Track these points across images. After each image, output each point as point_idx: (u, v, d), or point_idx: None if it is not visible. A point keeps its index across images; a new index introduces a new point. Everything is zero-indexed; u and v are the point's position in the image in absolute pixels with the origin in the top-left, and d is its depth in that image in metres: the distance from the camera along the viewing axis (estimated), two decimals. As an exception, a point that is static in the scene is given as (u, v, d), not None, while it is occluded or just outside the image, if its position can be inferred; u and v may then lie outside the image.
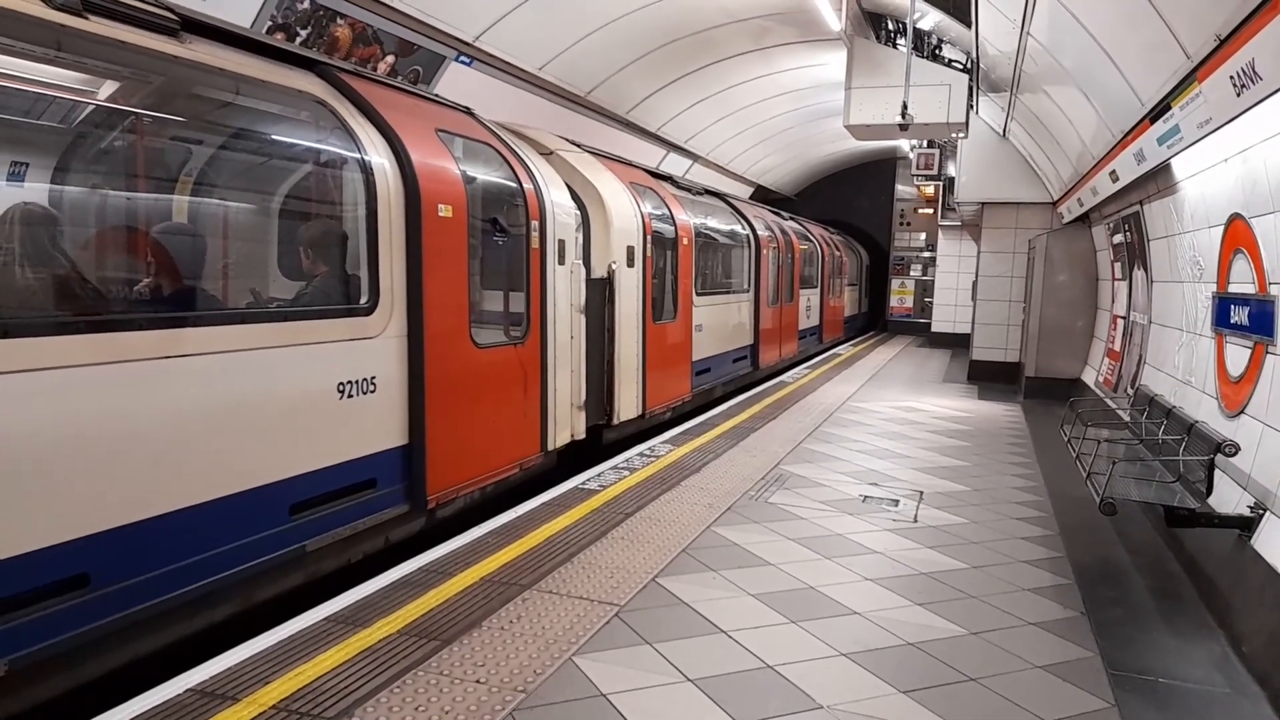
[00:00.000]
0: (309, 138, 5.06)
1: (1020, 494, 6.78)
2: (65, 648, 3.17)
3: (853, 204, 25.34)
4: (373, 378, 4.71)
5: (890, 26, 12.47)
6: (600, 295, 7.80)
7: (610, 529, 5.45)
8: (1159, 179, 7.16)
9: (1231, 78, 4.13)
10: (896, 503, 6.36)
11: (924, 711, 3.36)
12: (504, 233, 6.16)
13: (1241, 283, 5.27)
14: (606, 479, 6.66)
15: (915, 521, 5.91)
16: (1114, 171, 7.60)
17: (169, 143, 4.66)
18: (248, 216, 5.21)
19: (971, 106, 10.98)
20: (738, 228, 12.76)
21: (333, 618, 3.99)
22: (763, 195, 21.19)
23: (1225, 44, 4.14)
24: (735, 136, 16.49)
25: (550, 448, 6.70)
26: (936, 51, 12.20)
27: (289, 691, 3.29)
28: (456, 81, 8.70)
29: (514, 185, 6.27)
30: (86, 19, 3.47)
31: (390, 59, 8.07)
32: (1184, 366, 6.66)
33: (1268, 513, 4.37)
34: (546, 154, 7.62)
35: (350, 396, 4.56)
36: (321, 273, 4.84)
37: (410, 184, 4.95)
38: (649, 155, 13.86)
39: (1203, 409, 5.83)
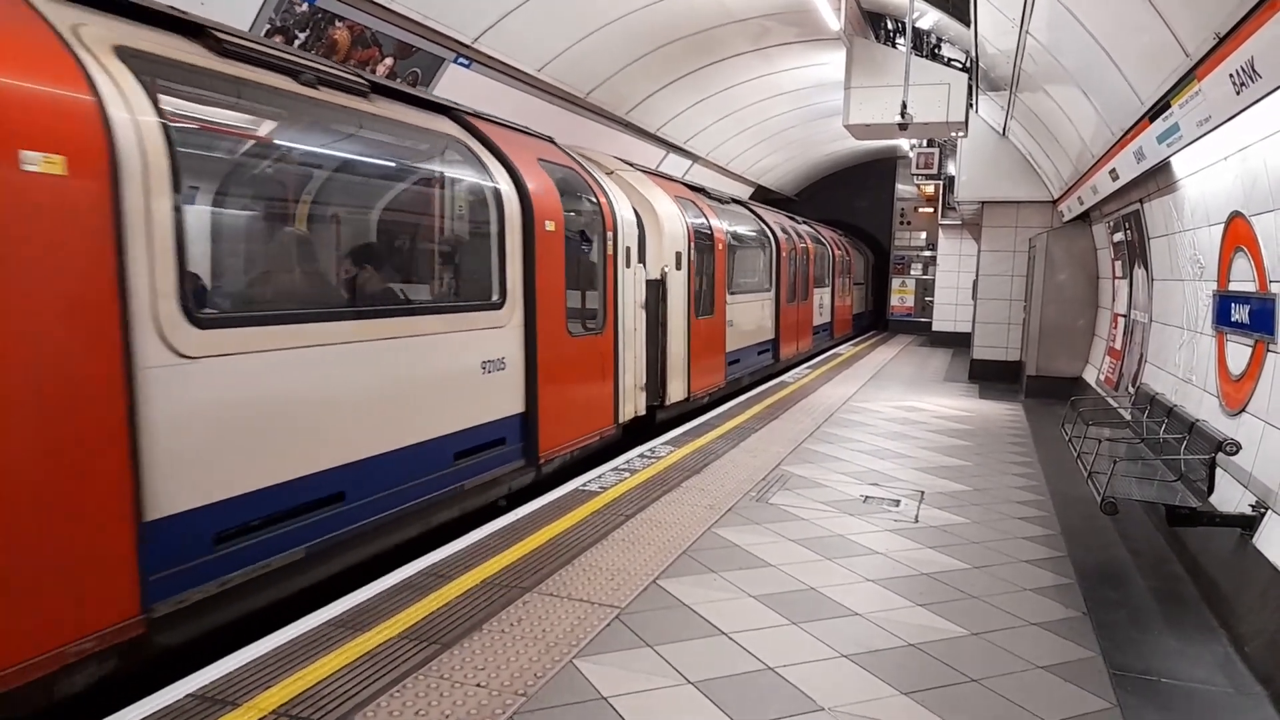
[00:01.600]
0: (457, 170, 6.37)
1: (1021, 494, 6.76)
2: (334, 542, 4.60)
3: (853, 203, 25.34)
4: (502, 358, 6.10)
5: (890, 26, 12.45)
6: (654, 294, 9.13)
7: (611, 531, 5.44)
8: (1159, 177, 7.15)
9: (1231, 76, 4.12)
10: (898, 503, 6.35)
11: (925, 713, 3.35)
12: (588, 242, 7.42)
13: (1242, 281, 5.26)
14: (607, 480, 6.65)
15: (916, 522, 5.91)
16: (1114, 170, 7.59)
17: (377, 180, 6.32)
18: (424, 232, 6.75)
19: (971, 105, 10.97)
20: (761, 233, 13.95)
21: (333, 621, 3.99)
22: (763, 195, 21.18)
23: (1224, 42, 4.14)
24: (735, 136, 16.48)
25: (620, 421, 8.15)
26: (936, 51, 12.19)
27: (289, 696, 3.28)
28: (455, 84, 8.69)
29: (594, 202, 7.62)
30: (318, 89, 4.84)
31: (389, 61, 8.07)
32: (1185, 365, 6.65)
33: (1269, 511, 4.37)
34: (608, 173, 8.91)
35: (489, 372, 5.98)
36: (469, 275, 6.36)
37: (526, 205, 6.28)
38: (648, 156, 13.86)
39: (1204, 407, 5.81)
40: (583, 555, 4.98)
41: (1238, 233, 5.34)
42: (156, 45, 3.91)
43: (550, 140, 7.65)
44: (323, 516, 4.50)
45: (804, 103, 15.77)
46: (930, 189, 21.86)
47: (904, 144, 19.33)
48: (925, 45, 11.96)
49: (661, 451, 7.77)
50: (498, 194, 6.10)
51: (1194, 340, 6.44)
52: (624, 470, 7.01)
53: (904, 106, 9.08)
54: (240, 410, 4.00)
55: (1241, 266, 5.27)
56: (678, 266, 9.54)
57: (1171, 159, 6.24)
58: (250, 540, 4.08)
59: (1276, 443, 4.47)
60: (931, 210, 22.26)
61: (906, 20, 9.72)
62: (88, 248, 3.25)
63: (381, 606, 4.18)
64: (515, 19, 8.51)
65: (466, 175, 6.30)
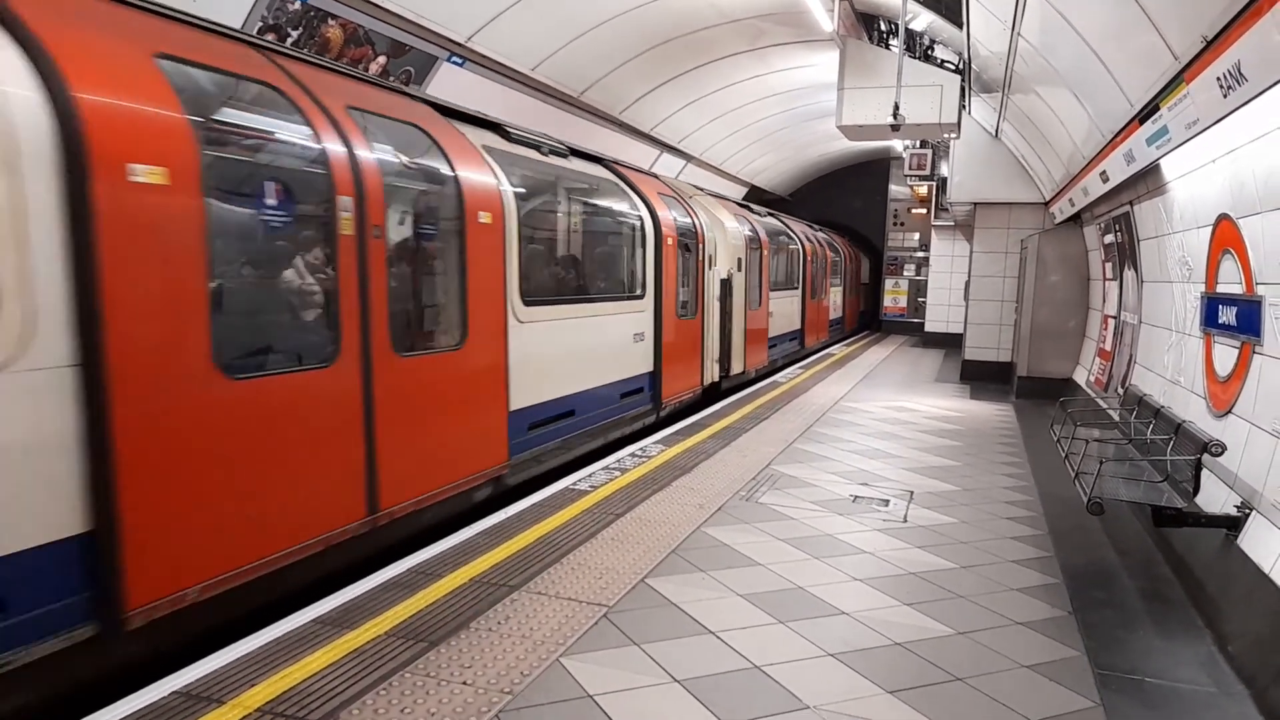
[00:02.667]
0: (619, 204, 9.04)
1: (1010, 494, 6.79)
2: (570, 438, 7.41)
3: (847, 204, 25.39)
4: (642, 333, 8.93)
5: (883, 27, 12.47)
6: (724, 290, 11.75)
7: (600, 530, 5.45)
8: (1149, 179, 7.19)
9: (1218, 79, 4.14)
10: (887, 503, 6.36)
11: (910, 711, 3.36)
12: (688, 251, 10.32)
13: (1229, 283, 5.29)
14: (597, 480, 6.66)
15: (905, 521, 5.92)
16: (1104, 172, 7.62)
17: (584, 213, 9.19)
18: (604, 247, 9.41)
19: (964, 107, 10.99)
20: (791, 240, 16.77)
21: (320, 619, 3.98)
22: (757, 196, 21.20)
23: (1212, 46, 4.16)
24: (729, 137, 16.50)
25: (704, 383, 11.03)
26: (929, 52, 12.20)
27: (274, 694, 3.28)
28: (449, 83, 8.69)
29: (691, 221, 10.52)
30: (546, 155, 7.50)
31: (382, 60, 8.06)
32: (1173, 366, 6.68)
33: (1254, 512, 4.39)
34: (690, 198, 11.39)
35: (636, 342, 8.79)
36: (629, 276, 9.06)
37: (656, 227, 9.16)
38: (642, 156, 13.87)
39: (1191, 409, 5.84)
40: (572, 554, 4.99)
41: (1225, 235, 5.37)
42: (491, 140, 6.59)
43: (657, 176, 11.01)
44: (567, 423, 7.30)
45: (797, 103, 15.79)
46: (923, 190, 21.90)
47: (897, 145, 19.36)
48: (918, 47, 11.97)
49: (652, 451, 7.78)
50: (641, 220, 9.02)
51: (1182, 342, 6.47)
52: (614, 469, 7.02)
53: (896, 108, 9.09)
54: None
55: (1229, 269, 5.29)
56: (738, 269, 12.28)
57: (1161, 161, 6.27)
58: (541, 430, 6.83)
59: (1261, 444, 4.50)
60: (924, 211, 22.30)
61: (899, 22, 9.74)
62: (498, 255, 6.12)
63: (369, 604, 4.17)
64: (509, 18, 8.51)
65: (624, 206, 9.04)
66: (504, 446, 6.27)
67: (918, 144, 17.54)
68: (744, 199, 18.40)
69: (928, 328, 19.99)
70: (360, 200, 4.68)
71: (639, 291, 8.91)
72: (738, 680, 3.58)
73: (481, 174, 6.00)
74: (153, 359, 3.51)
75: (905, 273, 24.73)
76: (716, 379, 11.53)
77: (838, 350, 18.93)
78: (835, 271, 21.15)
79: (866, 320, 26.31)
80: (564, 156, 7.80)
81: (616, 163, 9.34)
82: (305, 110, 4.58)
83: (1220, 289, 5.49)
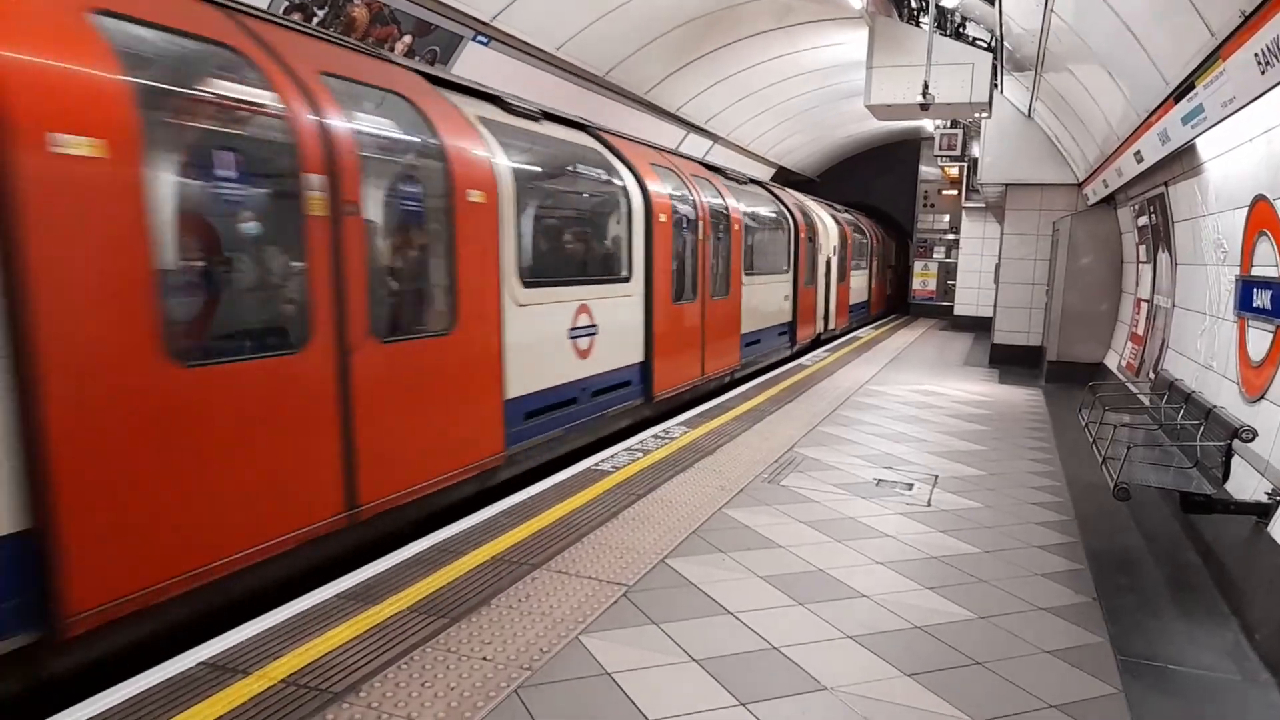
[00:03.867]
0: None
1: (1037, 479, 6.72)
2: (756, 360, 11.91)
3: (875, 185, 25.09)
4: (787, 295, 13.90)
5: (912, 4, 12.25)
6: (826, 268, 16.31)
7: (621, 510, 5.47)
8: (1184, 160, 7.03)
9: (1256, 55, 4.04)
10: (910, 486, 6.33)
11: (928, 694, 3.36)
12: (811, 242, 14.78)
13: (1265, 265, 5.17)
14: (619, 460, 6.68)
15: (929, 505, 5.89)
16: (1139, 152, 7.47)
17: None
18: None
19: (995, 86, 10.80)
20: (860, 230, 20.99)
21: (344, 594, 4.05)
22: (784, 177, 21.02)
23: (1250, 20, 4.05)
24: (756, 117, 16.34)
25: (816, 334, 15.86)
26: (960, 30, 11.98)
27: (298, 666, 3.35)
28: (474, 62, 8.68)
29: (811, 224, 15.13)
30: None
31: (408, 39, 8.07)
32: (1206, 351, 6.56)
33: (1285, 500, 4.31)
34: (796, 203, 14.98)
35: (784, 300, 13.81)
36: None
37: (797, 226, 14.22)
38: (668, 136, 13.78)
39: (1223, 394, 5.74)
40: (592, 534, 5.02)
41: (1261, 216, 5.24)
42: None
43: (761, 185, 14.65)
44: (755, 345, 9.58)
45: (826, 83, 15.60)
46: (954, 171, 21.58)
47: (927, 125, 19.08)
48: (949, 24, 11.76)
49: (675, 433, 7.78)
50: (810, 235, 13.75)
51: (1215, 326, 6.35)
52: (637, 451, 7.03)
53: (926, 86, 8.97)
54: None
55: (1265, 251, 5.17)
56: (833, 254, 16.89)
57: (1196, 141, 6.13)
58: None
59: (1295, 430, 4.41)
60: (955, 193, 22.01)
61: (930, -2, 9.58)
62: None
63: (392, 580, 4.23)
64: (534, -4, 8.48)
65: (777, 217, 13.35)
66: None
67: (948, 124, 17.28)
68: (771, 179, 18.28)
69: (957, 311, 19.77)
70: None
71: (786, 268, 13.81)
72: (756, 661, 3.59)
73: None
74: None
75: (935, 255, 24.44)
76: (822, 331, 16.47)
77: (865, 333, 18.79)
78: (887, 255, 25.31)
79: (895, 302, 26.17)
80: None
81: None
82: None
83: (1255, 272, 5.37)
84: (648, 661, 3.53)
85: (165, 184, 3.87)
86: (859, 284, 20.84)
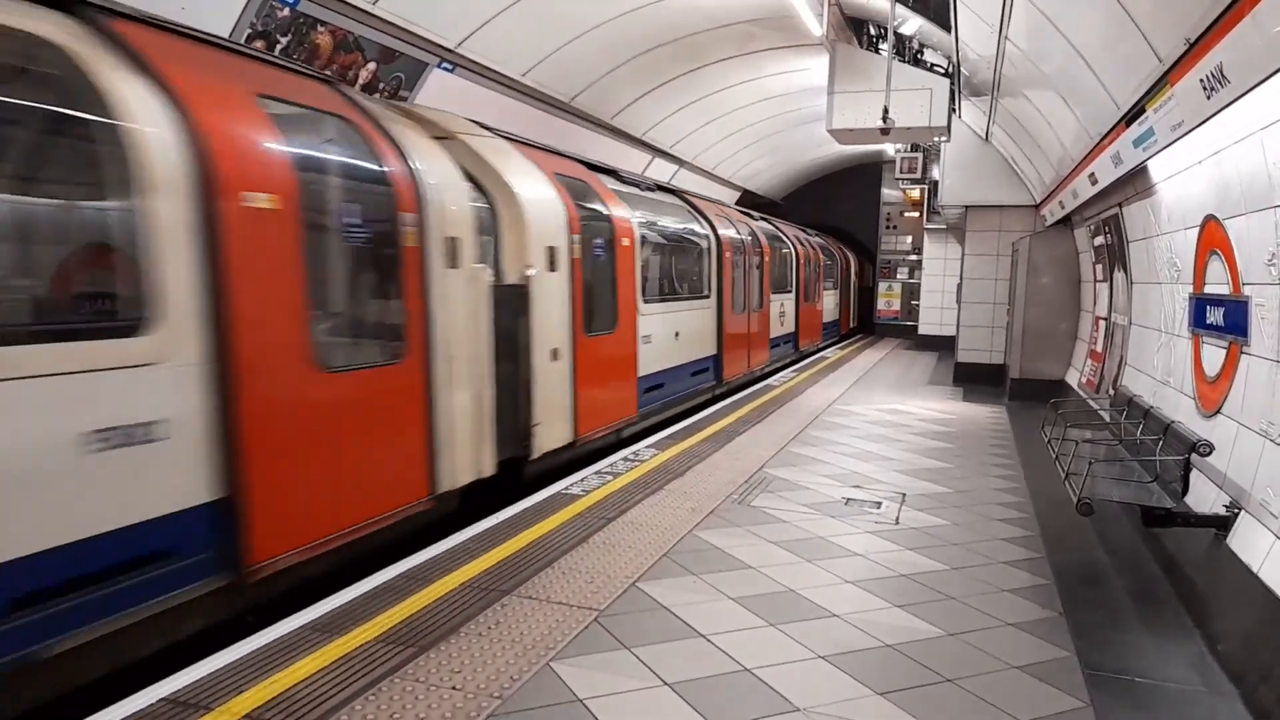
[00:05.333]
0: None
1: (1002, 495, 6.80)
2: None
3: (839, 208, 25.47)
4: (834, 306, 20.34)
5: (872, 31, 12.51)
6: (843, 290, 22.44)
7: (592, 534, 5.44)
8: (1137, 181, 7.22)
9: (1202, 81, 4.16)
10: (879, 505, 6.37)
11: (900, 713, 3.37)
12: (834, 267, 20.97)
13: (1216, 284, 5.31)
14: (589, 484, 6.65)
15: (897, 523, 5.93)
16: (1093, 174, 7.65)
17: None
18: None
19: (953, 110, 11.03)
20: (841, 254, 23.68)
21: (310, 625, 3.97)
22: (750, 199, 21.23)
23: (1195, 47, 4.18)
24: (721, 141, 16.53)
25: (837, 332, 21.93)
26: (918, 56, 12.25)
27: (262, 700, 3.27)
28: (439, 89, 8.69)
29: (833, 257, 21.62)
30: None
31: (372, 66, 8.06)
32: (1163, 367, 6.71)
33: (1242, 512, 4.41)
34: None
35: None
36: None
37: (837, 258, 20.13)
38: (634, 161, 13.88)
39: (1181, 409, 5.87)
40: (563, 558, 4.98)
41: (1212, 236, 5.39)
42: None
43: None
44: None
45: (789, 108, 15.83)
46: (915, 193, 21.95)
47: (889, 149, 19.42)
48: (907, 51, 12.02)
49: (645, 454, 7.78)
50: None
51: (1171, 342, 6.50)
52: (607, 474, 7.01)
53: (886, 111, 9.13)
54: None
55: (1216, 269, 5.32)
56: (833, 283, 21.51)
57: (1148, 163, 6.30)
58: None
59: (1249, 444, 4.52)
60: (917, 214, 22.36)
61: (889, 26, 9.78)
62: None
63: (360, 610, 4.17)
64: (499, 23, 8.52)
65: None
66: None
67: (909, 147, 17.59)
68: (737, 203, 18.45)
69: (921, 330, 20.02)
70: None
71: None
72: (728, 683, 3.57)
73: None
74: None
75: (899, 275, 24.77)
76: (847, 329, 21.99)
77: (831, 353, 18.96)
78: (843, 276, 24.89)
79: (861, 321, 26.56)
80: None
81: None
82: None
83: (1208, 290, 5.52)
84: (620, 686, 3.51)
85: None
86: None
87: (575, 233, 7.44)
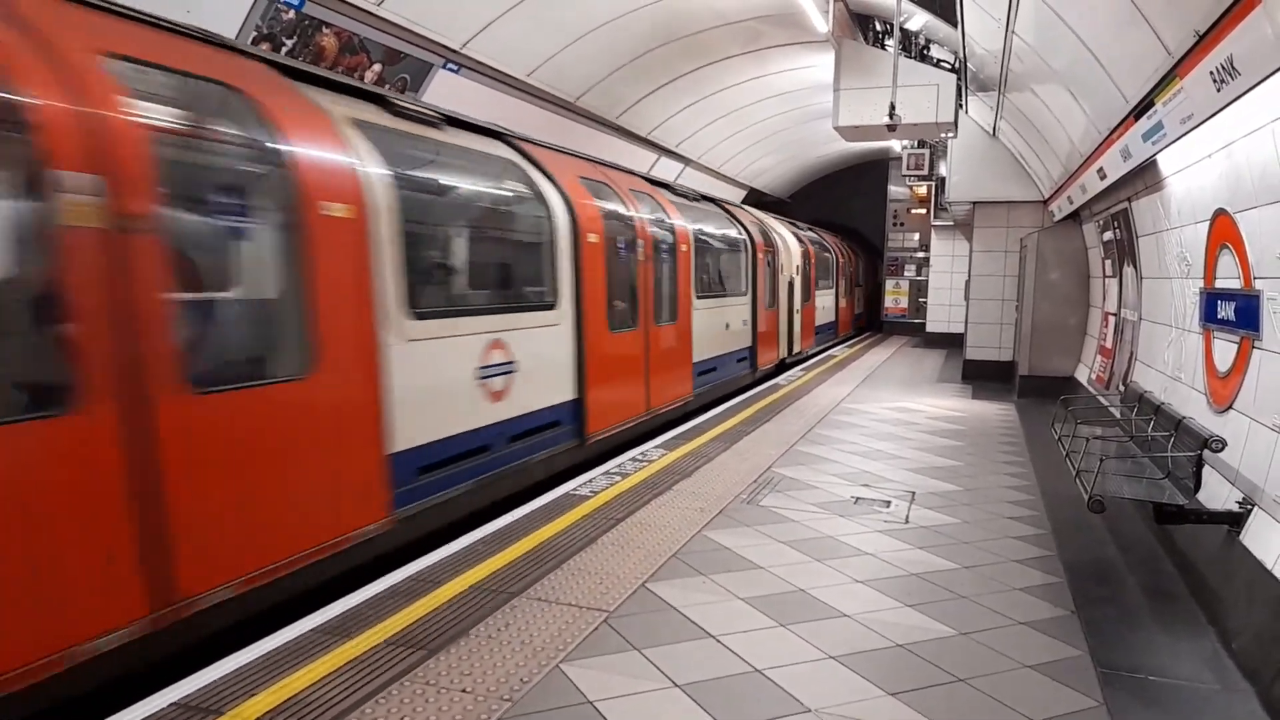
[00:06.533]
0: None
1: (1012, 493, 6.77)
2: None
3: (846, 205, 25.42)
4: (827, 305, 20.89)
5: (878, 28, 12.48)
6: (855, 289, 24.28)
7: (600, 535, 5.44)
8: (1146, 175, 7.17)
9: (1211, 73, 4.13)
10: (888, 504, 6.35)
11: (912, 713, 3.35)
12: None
13: (1227, 278, 5.27)
14: (598, 485, 6.65)
15: (907, 522, 5.90)
16: (1101, 169, 7.60)
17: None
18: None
19: (960, 106, 10.98)
20: (834, 253, 22.52)
21: (320, 628, 3.98)
22: (756, 198, 21.20)
23: (1204, 39, 4.15)
24: (727, 139, 16.50)
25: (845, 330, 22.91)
26: (925, 52, 12.21)
27: (273, 704, 3.27)
28: (444, 89, 8.70)
29: (845, 255, 22.25)
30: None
31: (377, 68, 8.07)
32: (1173, 362, 6.66)
33: (1255, 508, 4.37)
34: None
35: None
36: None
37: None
38: (640, 160, 13.87)
39: (1191, 405, 5.82)
40: (572, 559, 4.97)
41: (1223, 230, 5.35)
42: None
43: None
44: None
45: (796, 105, 15.79)
46: (922, 190, 21.88)
47: (895, 145, 19.34)
48: (914, 46, 11.98)
49: (653, 455, 7.76)
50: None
51: (1182, 338, 6.45)
52: (615, 474, 7.00)
53: (892, 108, 9.10)
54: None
55: (1227, 263, 5.28)
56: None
57: (1157, 157, 6.25)
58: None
59: (1262, 439, 4.48)
60: (924, 211, 22.29)
61: (894, 22, 9.75)
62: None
63: (369, 613, 4.17)
64: (504, 24, 8.52)
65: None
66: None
67: (915, 144, 17.51)
68: (744, 201, 18.42)
69: (929, 328, 19.95)
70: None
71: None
72: (739, 684, 3.56)
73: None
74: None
75: (906, 273, 24.70)
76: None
77: (839, 352, 18.92)
78: (860, 275, 25.90)
79: (870, 316, 26.49)
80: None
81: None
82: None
83: (1219, 284, 5.48)
84: (630, 688, 3.50)
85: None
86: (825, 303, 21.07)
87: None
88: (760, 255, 13.73)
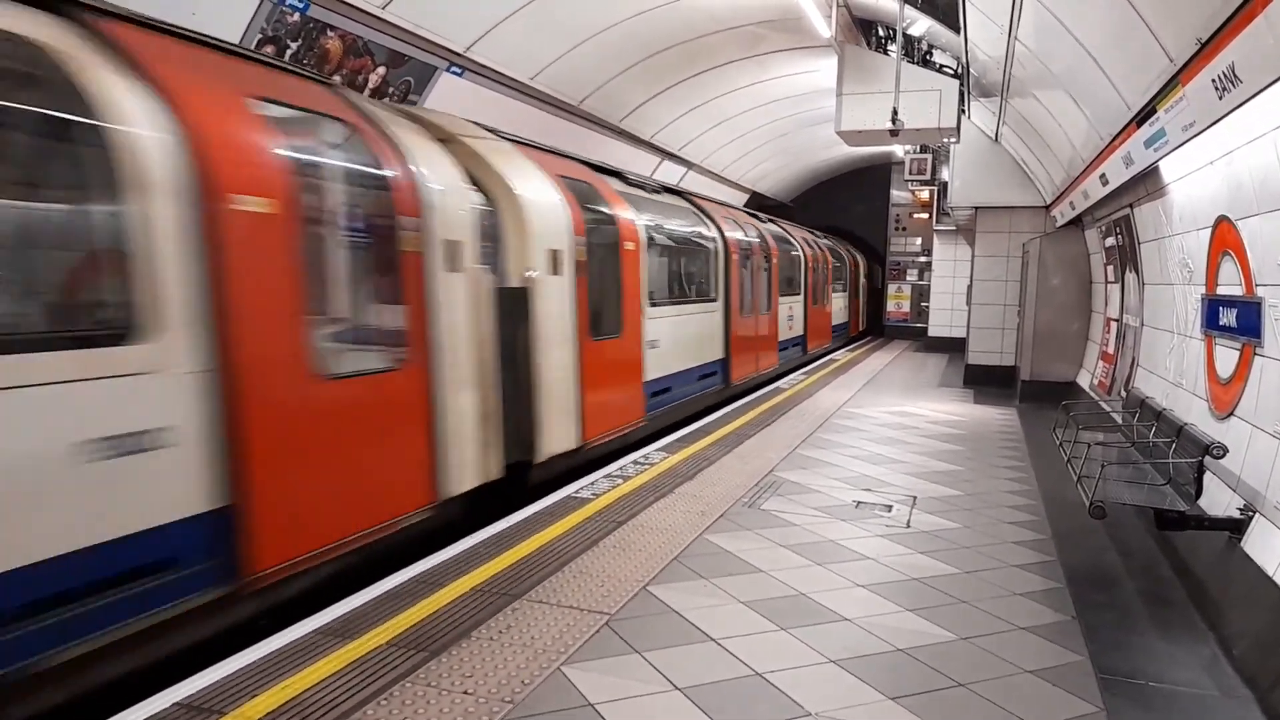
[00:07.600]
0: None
1: (1013, 498, 6.77)
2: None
3: (848, 209, 25.41)
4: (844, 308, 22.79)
5: (881, 33, 12.49)
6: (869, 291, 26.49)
7: (602, 537, 5.45)
8: (1148, 182, 7.18)
9: (1213, 81, 4.14)
10: (889, 508, 6.35)
11: (912, 718, 3.35)
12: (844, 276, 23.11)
13: (1229, 285, 5.28)
14: (599, 487, 6.66)
15: (908, 527, 5.91)
16: (1104, 175, 7.61)
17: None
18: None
19: (963, 111, 11.00)
20: (835, 258, 22.95)
21: (322, 630, 3.99)
22: (758, 202, 21.21)
23: (1206, 47, 4.16)
24: (729, 143, 16.52)
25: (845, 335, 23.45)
26: (927, 57, 12.22)
27: (275, 705, 3.29)
28: (447, 92, 8.72)
29: (844, 259, 22.65)
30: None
31: (381, 71, 8.10)
32: (1175, 369, 6.67)
33: (1257, 514, 4.38)
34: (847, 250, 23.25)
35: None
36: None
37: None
38: (643, 163, 13.89)
39: (1193, 411, 5.83)
40: (573, 562, 4.99)
41: (1224, 237, 5.36)
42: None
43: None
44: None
45: (798, 109, 15.81)
46: (924, 195, 21.89)
47: (898, 150, 19.36)
48: (916, 52, 12.00)
49: (655, 458, 7.78)
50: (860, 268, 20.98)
51: (1184, 344, 6.46)
52: (617, 477, 7.01)
53: (895, 113, 9.12)
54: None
55: (1229, 270, 5.29)
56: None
57: (1159, 164, 6.26)
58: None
59: (1264, 446, 4.49)
60: (926, 216, 22.30)
61: (897, 27, 9.77)
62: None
63: (371, 614, 4.18)
64: (508, 27, 8.54)
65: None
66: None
67: (918, 149, 17.51)
68: (745, 205, 18.44)
69: (931, 332, 19.94)
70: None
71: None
72: (739, 688, 3.57)
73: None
74: None
75: (908, 277, 24.69)
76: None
77: (841, 356, 18.92)
78: (866, 280, 26.74)
79: (871, 321, 26.53)
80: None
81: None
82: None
83: (1220, 291, 5.49)
84: (631, 691, 3.51)
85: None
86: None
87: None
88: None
